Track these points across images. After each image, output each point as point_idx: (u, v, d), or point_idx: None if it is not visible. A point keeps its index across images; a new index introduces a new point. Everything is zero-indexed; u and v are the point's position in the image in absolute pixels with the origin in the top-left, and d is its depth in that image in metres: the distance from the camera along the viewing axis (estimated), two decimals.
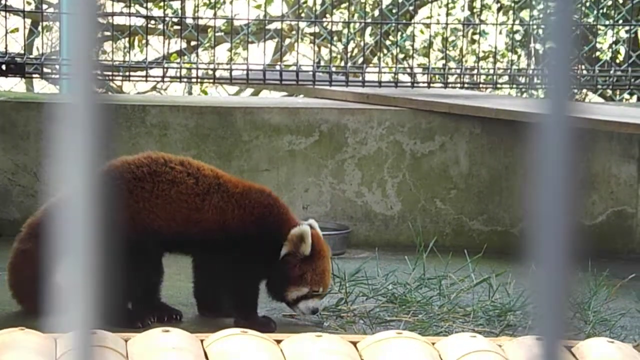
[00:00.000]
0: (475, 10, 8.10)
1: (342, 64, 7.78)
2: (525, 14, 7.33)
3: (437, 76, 6.60)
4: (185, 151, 5.70)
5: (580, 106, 1.03)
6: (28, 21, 7.23)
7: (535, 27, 7.21)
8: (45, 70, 6.32)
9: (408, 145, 5.98)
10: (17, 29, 7.91)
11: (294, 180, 5.93)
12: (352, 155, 5.96)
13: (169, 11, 7.84)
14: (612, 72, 6.45)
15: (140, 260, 4.13)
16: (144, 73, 6.34)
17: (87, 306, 0.98)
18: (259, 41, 7.77)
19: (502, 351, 3.00)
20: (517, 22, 7.40)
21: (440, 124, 5.98)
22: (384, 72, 6.52)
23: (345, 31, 7.81)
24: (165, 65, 6.48)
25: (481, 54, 7.71)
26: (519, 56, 8.07)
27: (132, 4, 6.81)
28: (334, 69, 6.54)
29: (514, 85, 6.79)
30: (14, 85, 7.30)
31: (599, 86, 6.68)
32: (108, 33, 6.31)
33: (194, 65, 6.45)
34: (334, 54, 7.97)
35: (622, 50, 7.77)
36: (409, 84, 6.52)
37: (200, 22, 7.05)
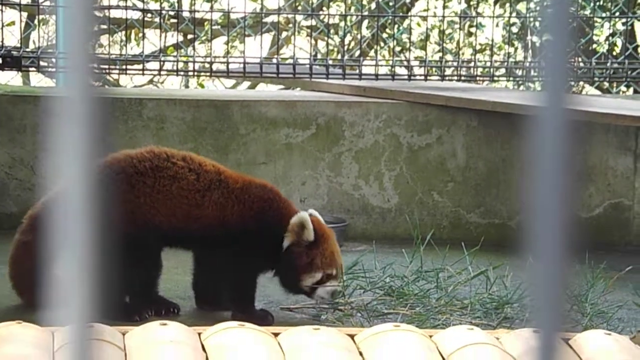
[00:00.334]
0: (472, 3, 8.09)
1: (339, 56, 7.78)
2: (522, 7, 7.32)
3: (434, 69, 6.60)
4: (182, 144, 5.70)
5: (577, 98, 1.03)
6: (24, 14, 7.21)
7: (531, 19, 7.21)
8: (41, 63, 6.31)
9: (405, 138, 5.98)
10: (13, 22, 7.90)
11: (291, 173, 5.93)
12: (349, 148, 5.96)
13: (165, 4, 7.83)
14: (608, 64, 6.45)
15: (140, 255, 4.14)
16: (140, 66, 6.33)
17: (85, 300, 0.98)
18: (255, 34, 7.76)
19: (500, 344, 3.00)
20: (514, 14, 7.39)
21: (437, 116, 5.98)
22: (381, 65, 6.51)
23: (342, 24, 7.80)
24: (162, 59, 6.47)
25: (478, 47, 7.71)
26: (516, 49, 8.06)
27: None
28: (330, 62, 6.54)
29: (511, 78, 6.79)
30: (10, 78, 7.29)
31: (596, 78, 6.68)
32: (105, 26, 6.30)
33: (191, 59, 6.45)
34: (330, 47, 7.97)
35: (619, 42, 7.77)
36: (406, 77, 6.52)
37: (197, 15, 7.04)
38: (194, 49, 7.18)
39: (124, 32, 6.74)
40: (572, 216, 0.97)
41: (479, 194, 6.00)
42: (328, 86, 6.26)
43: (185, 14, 7.17)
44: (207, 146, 5.83)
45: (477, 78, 6.57)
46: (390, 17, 6.89)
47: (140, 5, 7.39)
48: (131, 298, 4.22)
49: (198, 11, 6.91)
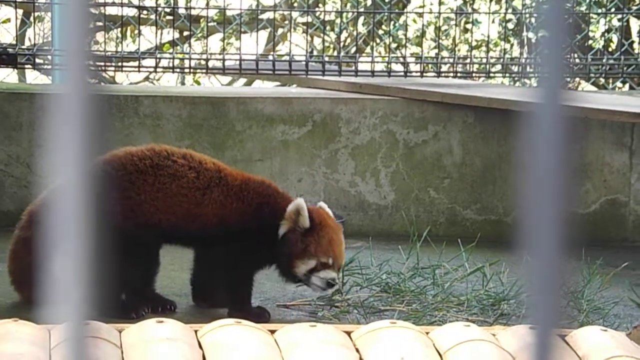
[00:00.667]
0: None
1: (335, 53, 7.77)
2: (517, 3, 7.33)
3: (429, 65, 6.60)
4: (179, 142, 5.69)
5: (573, 95, 1.03)
6: (20, 11, 7.21)
7: (527, 15, 7.21)
8: (37, 60, 6.31)
9: (401, 135, 5.98)
10: (8, 20, 7.89)
11: (288, 170, 5.93)
12: (345, 145, 5.96)
13: (161, 1, 7.82)
14: (604, 60, 6.45)
15: (138, 252, 4.14)
16: (136, 63, 6.33)
17: (82, 297, 0.98)
18: (251, 31, 7.76)
19: (496, 340, 3.00)
20: (510, 10, 7.39)
21: (433, 113, 5.98)
22: (377, 62, 6.51)
23: (338, 21, 7.80)
24: (158, 56, 6.46)
25: (474, 43, 7.71)
26: (512, 45, 8.06)
27: None
28: (326, 59, 6.53)
29: (507, 74, 6.79)
30: (6, 76, 7.28)
31: (592, 74, 6.68)
32: (100, 23, 6.29)
33: (187, 56, 6.44)
34: (326, 44, 7.97)
35: (615, 38, 7.77)
36: (402, 74, 6.51)
37: (193, 12, 7.04)
38: (190, 45, 7.17)
39: (119, 29, 6.73)
40: (569, 212, 0.97)
41: (475, 190, 6.00)
42: (324, 83, 6.26)
43: (181, 11, 7.17)
44: (203, 143, 5.82)
45: (473, 74, 6.57)
46: (386, 14, 6.88)
47: (136, 2, 7.38)
48: (128, 295, 4.21)
49: (194, 8, 6.91)
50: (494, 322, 4.31)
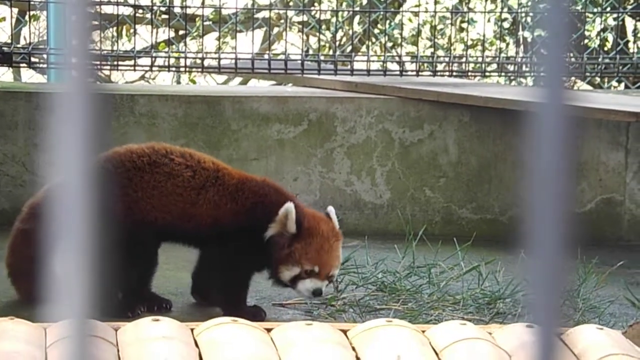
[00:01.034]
0: None
1: (331, 52, 7.77)
2: (513, 2, 7.33)
3: (425, 64, 6.60)
4: (174, 140, 5.68)
5: (572, 94, 1.03)
6: (15, 10, 7.20)
7: (523, 14, 7.21)
8: (32, 59, 6.30)
9: (397, 134, 5.98)
10: (4, 18, 7.88)
11: (283, 169, 5.93)
12: (341, 144, 5.96)
13: (156, 0, 7.82)
14: (600, 59, 6.46)
15: (136, 251, 4.13)
16: (132, 62, 6.32)
17: (82, 295, 0.98)
18: (247, 30, 7.75)
19: (492, 338, 3.00)
20: (505, 10, 7.40)
21: (429, 112, 5.98)
22: (373, 61, 6.51)
23: (334, 20, 7.80)
24: (154, 55, 6.46)
25: (470, 42, 7.71)
26: (507, 44, 8.07)
27: None
28: (322, 58, 6.53)
29: (503, 73, 6.80)
30: (1, 74, 7.27)
31: (587, 74, 6.69)
32: (96, 22, 6.28)
33: (182, 55, 6.44)
34: (322, 43, 7.97)
35: (610, 37, 7.78)
36: (398, 73, 6.52)
37: (188, 11, 7.03)
38: (185, 44, 7.16)
39: (115, 28, 6.72)
40: (568, 212, 0.97)
41: (471, 189, 6.01)
42: (320, 82, 6.25)
43: (177, 10, 7.16)
44: (198, 142, 5.82)
45: (469, 73, 6.57)
46: (382, 13, 6.89)
47: (131, 1, 7.37)
48: (124, 294, 4.20)
49: (189, 7, 6.90)
50: (490, 320, 4.32)
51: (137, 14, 7.03)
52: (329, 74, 6.27)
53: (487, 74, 6.62)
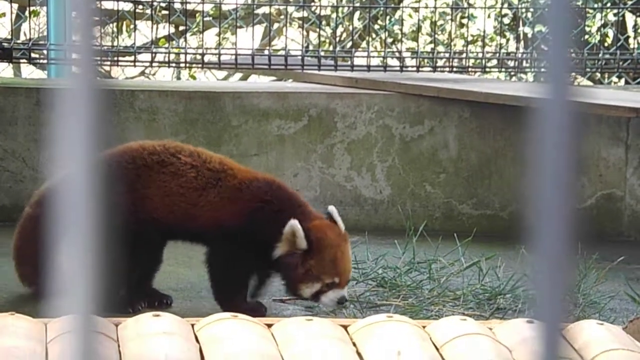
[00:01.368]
0: None
1: (331, 48, 7.77)
2: None
3: (425, 60, 6.60)
4: (174, 136, 5.68)
5: (576, 90, 1.03)
6: (15, 6, 7.19)
7: (523, 10, 7.20)
8: (32, 55, 6.30)
9: (397, 130, 5.98)
10: (4, 14, 7.88)
11: (283, 165, 5.92)
12: (341, 139, 5.96)
13: None
14: (600, 55, 6.46)
15: (140, 248, 4.13)
16: (132, 58, 6.32)
17: (86, 291, 0.98)
18: (247, 26, 7.75)
19: (493, 334, 3.00)
20: (506, 5, 7.39)
21: (429, 108, 5.98)
22: (373, 57, 6.51)
23: (334, 15, 7.80)
24: (154, 50, 6.45)
25: (470, 38, 7.71)
26: (508, 40, 8.06)
27: None
28: (322, 54, 6.53)
29: (503, 69, 6.79)
30: (1, 70, 7.27)
31: (588, 69, 6.69)
32: (96, 18, 6.28)
33: (183, 50, 6.44)
34: (322, 39, 7.96)
35: (611, 33, 7.77)
36: (398, 68, 6.51)
37: (189, 6, 7.03)
38: (185, 40, 7.16)
39: (115, 24, 6.72)
40: (573, 208, 0.97)
41: (471, 185, 6.01)
42: (320, 77, 6.25)
43: (177, 6, 7.16)
44: (199, 138, 5.82)
45: (469, 69, 6.57)
46: (382, 9, 6.88)
47: None
48: (127, 290, 4.19)
49: (189, 2, 6.90)
50: (490, 316, 4.32)
51: (137, 10, 7.02)
52: (329, 70, 6.27)
53: (487, 69, 6.61)
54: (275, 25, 8.57)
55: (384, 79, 6.11)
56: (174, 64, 6.59)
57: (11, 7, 6.62)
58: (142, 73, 8.64)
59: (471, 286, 4.61)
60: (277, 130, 5.92)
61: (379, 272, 4.76)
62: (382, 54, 6.60)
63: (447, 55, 6.61)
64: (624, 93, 6.35)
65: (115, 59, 6.19)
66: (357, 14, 7.98)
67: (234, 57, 6.26)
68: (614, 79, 7.94)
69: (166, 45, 7.32)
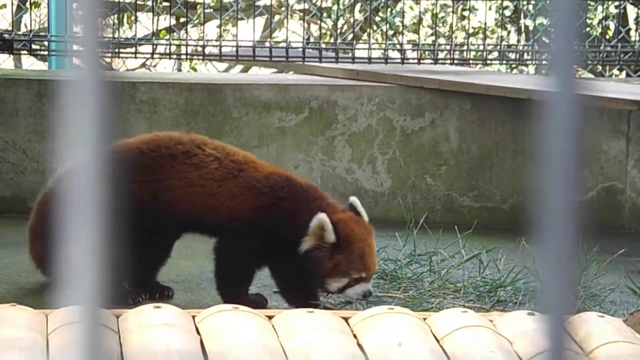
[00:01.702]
0: None
1: (332, 40, 7.76)
2: None
3: (426, 52, 6.59)
4: (175, 128, 5.68)
5: (582, 83, 1.03)
6: None
7: (524, 2, 7.20)
8: (33, 46, 6.29)
9: (398, 122, 5.97)
10: (4, 5, 7.87)
11: (284, 157, 5.92)
12: (342, 132, 5.96)
13: None
14: (602, 47, 6.45)
15: (154, 240, 4.14)
16: (133, 50, 6.31)
17: (92, 282, 0.98)
18: (248, 18, 7.74)
19: (493, 326, 3.01)
20: None
21: (430, 100, 5.97)
22: (374, 49, 6.50)
23: (335, 7, 7.79)
24: (155, 42, 6.45)
25: (471, 30, 7.70)
26: (509, 32, 8.06)
27: None
28: (323, 46, 6.53)
29: (504, 62, 6.79)
30: (2, 62, 7.26)
31: (589, 62, 6.68)
32: (98, 9, 6.28)
33: (184, 42, 6.43)
34: (323, 31, 7.96)
35: (612, 26, 7.77)
36: (399, 61, 6.51)
37: None
38: (186, 32, 7.16)
39: (116, 16, 6.71)
40: (577, 201, 0.97)
41: (472, 177, 6.01)
42: (321, 70, 6.25)
43: None
44: (200, 130, 5.81)
45: (470, 61, 6.56)
46: (383, 1, 6.88)
47: None
48: (130, 282, 4.18)
49: None
50: (491, 308, 4.32)
51: (138, 2, 7.02)
52: (330, 62, 6.26)
53: (488, 62, 6.61)
54: (277, 17, 8.56)
55: (385, 71, 6.11)
56: (175, 56, 6.59)
57: None
58: (143, 65, 8.64)
59: (472, 278, 4.61)
60: (278, 122, 5.92)
61: (379, 265, 4.76)
62: (383, 46, 6.60)
63: (448, 47, 6.61)
64: (625, 86, 6.35)
65: (116, 50, 6.19)
66: (358, 6, 7.97)
67: (235, 49, 6.25)
68: (615, 71, 7.94)
69: (167, 37, 7.31)
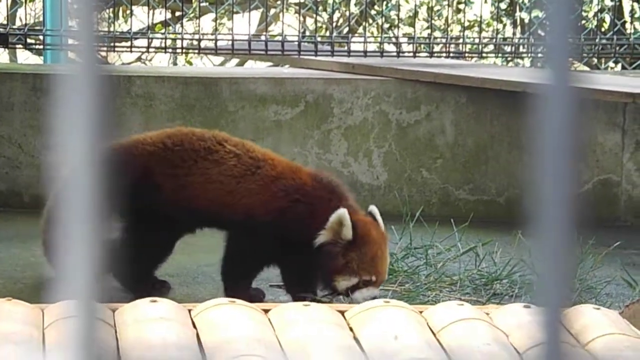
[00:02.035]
0: None
1: (328, 33, 7.76)
2: None
3: (422, 46, 6.59)
4: (171, 122, 5.68)
5: (577, 75, 1.03)
6: None
7: None
8: (28, 40, 6.28)
9: (394, 115, 5.97)
10: None
11: (280, 150, 5.91)
12: (338, 125, 5.96)
13: None
14: (597, 40, 6.45)
15: (162, 236, 4.14)
16: (128, 44, 6.31)
17: (88, 277, 0.98)
18: (243, 11, 7.73)
19: (489, 319, 3.01)
20: None
21: (426, 93, 5.97)
22: (370, 42, 6.50)
23: (331, 1, 7.78)
24: (150, 36, 6.44)
25: (466, 23, 7.70)
26: (505, 25, 8.05)
27: None
28: (319, 39, 6.52)
29: (500, 55, 6.79)
30: None
31: (585, 55, 6.68)
32: (93, 3, 6.26)
33: (179, 36, 6.43)
34: (319, 24, 7.95)
35: (607, 18, 7.76)
36: (395, 54, 6.51)
37: None
38: (182, 26, 7.15)
39: (111, 9, 6.70)
40: (574, 193, 0.97)
41: (468, 170, 6.01)
42: (317, 63, 6.25)
43: None
44: (195, 124, 5.81)
45: (466, 55, 6.56)
46: None
47: None
48: (132, 276, 4.16)
49: None
50: (487, 301, 4.32)
51: None
52: (326, 55, 6.26)
53: (484, 55, 6.61)
54: (272, 11, 8.56)
55: (381, 65, 6.11)
56: (170, 50, 6.58)
57: None
58: (139, 59, 8.63)
59: (468, 271, 4.62)
60: (274, 116, 5.91)
61: None
62: (379, 39, 6.59)
63: (443, 40, 6.61)
64: (621, 78, 6.35)
65: (112, 44, 6.18)
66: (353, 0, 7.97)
67: (230, 42, 6.25)
68: (611, 64, 7.94)
69: (163, 30, 7.30)
